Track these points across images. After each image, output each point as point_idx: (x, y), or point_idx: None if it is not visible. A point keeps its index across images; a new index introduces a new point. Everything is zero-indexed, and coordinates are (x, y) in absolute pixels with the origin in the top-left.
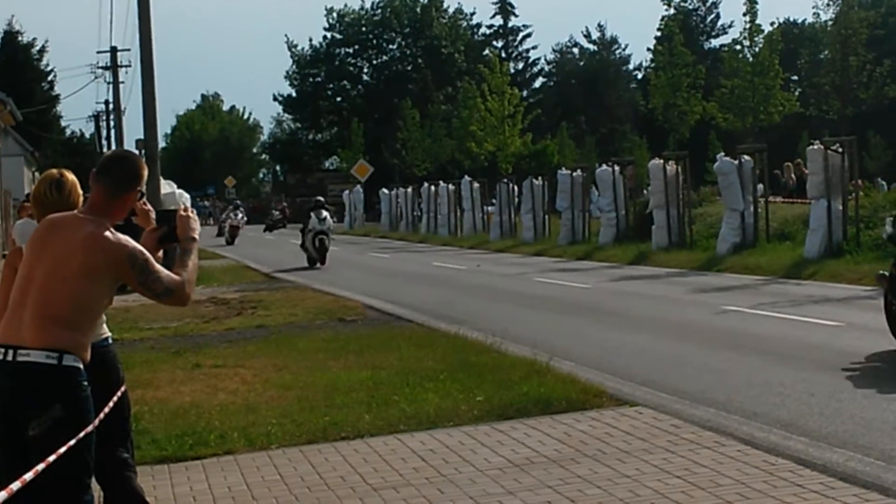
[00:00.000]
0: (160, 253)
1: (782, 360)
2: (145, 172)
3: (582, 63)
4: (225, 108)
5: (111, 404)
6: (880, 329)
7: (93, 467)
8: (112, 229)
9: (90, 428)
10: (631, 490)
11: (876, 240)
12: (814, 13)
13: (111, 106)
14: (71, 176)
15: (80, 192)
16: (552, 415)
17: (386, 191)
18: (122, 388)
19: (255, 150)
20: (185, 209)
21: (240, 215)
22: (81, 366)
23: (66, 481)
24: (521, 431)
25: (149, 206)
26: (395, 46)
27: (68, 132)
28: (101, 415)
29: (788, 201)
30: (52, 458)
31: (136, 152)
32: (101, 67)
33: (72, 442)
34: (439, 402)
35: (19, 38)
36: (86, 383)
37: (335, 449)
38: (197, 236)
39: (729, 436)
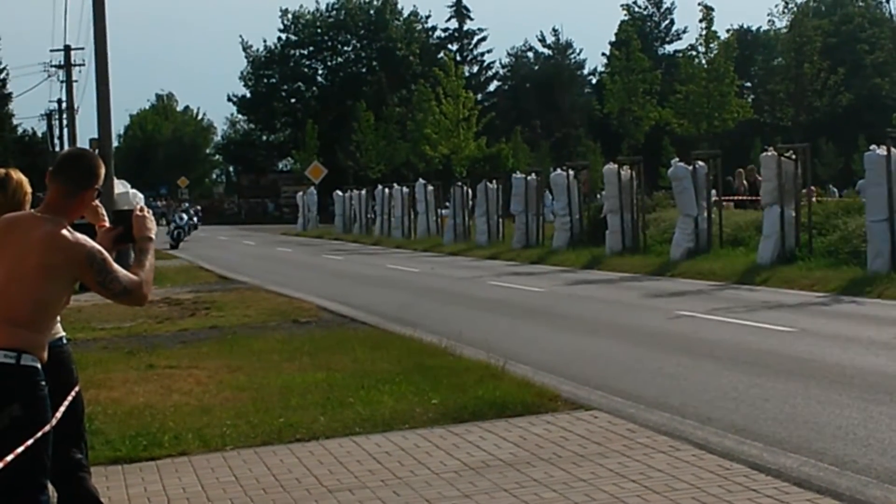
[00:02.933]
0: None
1: (736, 365)
2: (102, 171)
3: (537, 67)
4: (179, 108)
5: (66, 404)
6: (833, 335)
7: (49, 467)
8: (70, 228)
9: (47, 428)
10: (586, 494)
11: (828, 246)
12: (768, 20)
13: (64, 105)
14: (16, 175)
15: (28, 190)
16: (507, 418)
17: (340, 193)
18: (76, 389)
19: (208, 151)
20: (141, 209)
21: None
22: (39, 365)
23: (22, 481)
24: (477, 434)
25: (97, 203)
26: (349, 48)
27: (20, 131)
28: (58, 414)
29: (741, 199)
30: (9, 457)
31: (93, 151)
32: (55, 66)
33: (29, 442)
34: (394, 404)
35: None
36: (43, 383)
37: (290, 450)
38: (153, 236)
39: (684, 440)
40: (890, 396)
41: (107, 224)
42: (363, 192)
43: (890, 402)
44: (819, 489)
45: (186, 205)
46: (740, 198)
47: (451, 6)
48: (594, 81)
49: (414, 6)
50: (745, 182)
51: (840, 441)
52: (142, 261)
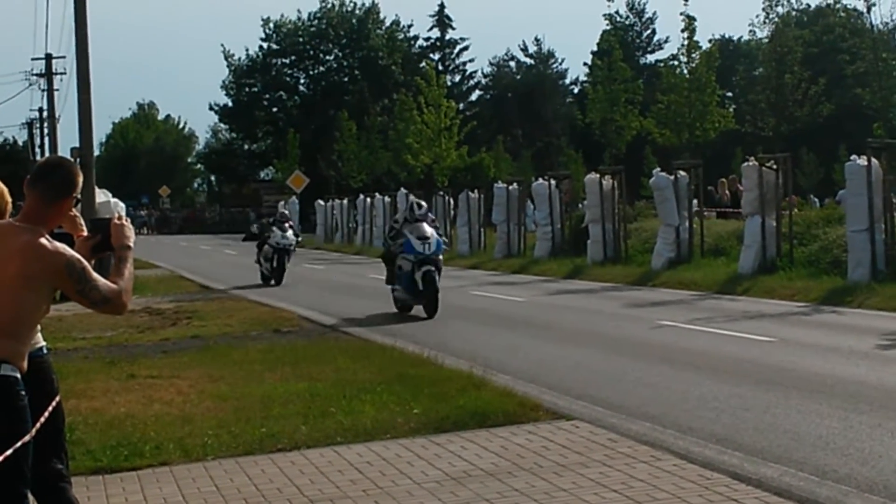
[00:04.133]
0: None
1: (717, 374)
2: (80, 179)
3: (518, 76)
4: (160, 116)
5: (46, 415)
6: (813, 344)
7: (30, 478)
8: (48, 237)
9: (27, 438)
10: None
11: (809, 256)
12: (750, 31)
13: (45, 113)
14: None
15: (9, 199)
16: (489, 428)
17: (321, 202)
18: (57, 399)
19: (190, 160)
20: (119, 217)
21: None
22: (19, 375)
23: (3, 492)
24: (458, 444)
25: (75, 213)
26: (331, 57)
27: (1, 139)
28: (38, 425)
29: (722, 211)
30: None
31: (71, 159)
32: (36, 74)
33: (9, 452)
34: (376, 414)
35: None
36: (23, 393)
37: (272, 460)
38: (132, 244)
39: (665, 450)
40: (870, 406)
41: (85, 234)
42: (345, 201)
43: (870, 411)
44: (800, 499)
45: (286, 211)
46: (722, 209)
47: (434, 15)
48: (576, 91)
49: (396, 15)
50: (727, 192)
51: (820, 451)
52: (121, 269)
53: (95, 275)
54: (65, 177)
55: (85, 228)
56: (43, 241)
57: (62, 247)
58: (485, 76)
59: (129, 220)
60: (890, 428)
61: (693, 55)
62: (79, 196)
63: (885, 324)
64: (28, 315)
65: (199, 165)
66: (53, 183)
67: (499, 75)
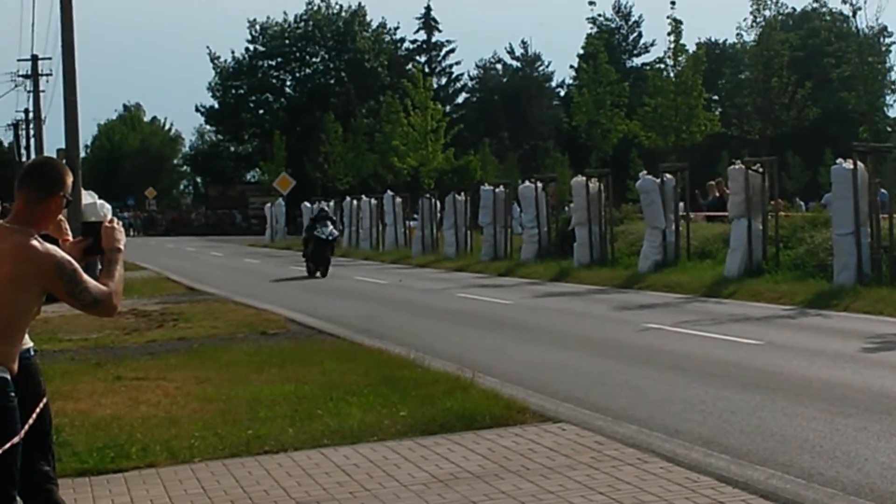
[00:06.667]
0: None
1: (703, 377)
2: (69, 178)
3: (505, 79)
4: (146, 118)
5: (33, 416)
6: (799, 348)
7: (18, 479)
8: (39, 238)
9: (16, 439)
10: None
11: (795, 259)
12: (737, 34)
13: (31, 115)
14: None
15: None
16: (476, 430)
17: (308, 204)
18: (44, 400)
19: (176, 162)
20: (111, 220)
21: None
22: (9, 377)
23: None
24: (445, 447)
25: (60, 217)
26: (318, 60)
27: None
28: (26, 426)
29: (710, 214)
30: None
31: (58, 158)
32: (22, 76)
33: None
34: (363, 416)
35: None
36: (13, 394)
37: (258, 462)
38: (122, 247)
39: (651, 452)
40: (856, 409)
41: (70, 238)
42: (331, 203)
43: (856, 414)
44: (786, 501)
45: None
46: (713, 212)
47: (420, 18)
48: (562, 94)
49: (382, 17)
50: (717, 193)
51: (806, 453)
52: (111, 271)
53: (86, 276)
54: (52, 175)
55: (69, 232)
56: (34, 242)
57: (53, 248)
58: (471, 79)
59: (119, 222)
60: (875, 431)
61: (679, 58)
62: (70, 197)
63: (870, 327)
64: (19, 317)
65: (185, 167)
66: (41, 181)
67: (485, 78)
